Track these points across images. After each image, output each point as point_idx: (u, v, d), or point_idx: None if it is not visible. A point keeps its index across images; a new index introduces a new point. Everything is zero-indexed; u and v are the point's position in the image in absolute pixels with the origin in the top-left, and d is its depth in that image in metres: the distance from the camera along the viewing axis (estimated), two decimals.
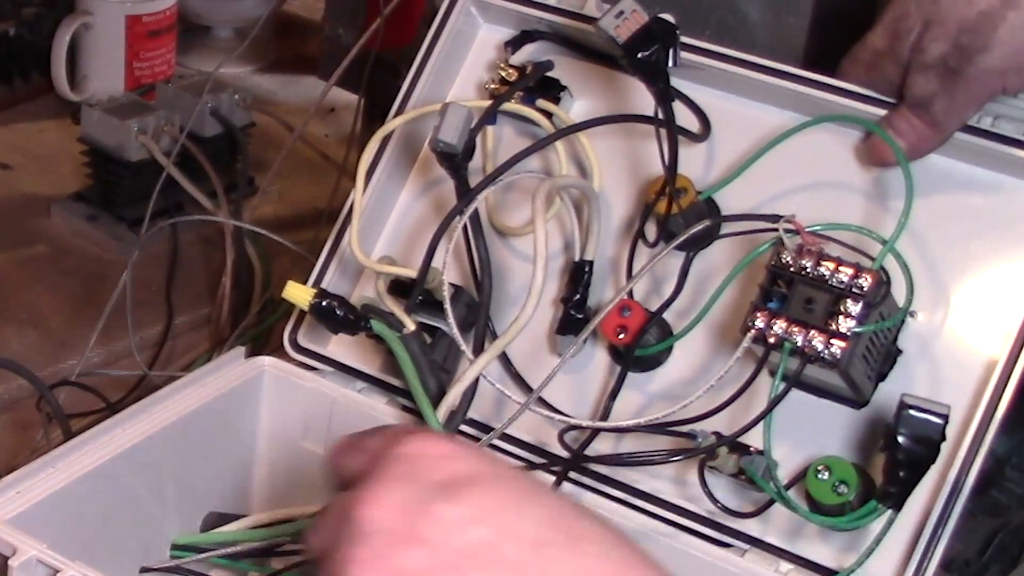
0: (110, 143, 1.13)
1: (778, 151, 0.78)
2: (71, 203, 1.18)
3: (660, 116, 0.77)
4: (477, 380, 0.79)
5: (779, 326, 0.71)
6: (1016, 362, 0.73)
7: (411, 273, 0.82)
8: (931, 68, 0.73)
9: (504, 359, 0.83)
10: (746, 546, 0.76)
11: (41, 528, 0.71)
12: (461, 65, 0.89)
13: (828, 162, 0.79)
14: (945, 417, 0.70)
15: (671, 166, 0.77)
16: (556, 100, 0.85)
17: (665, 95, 0.76)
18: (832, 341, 0.71)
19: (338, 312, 0.80)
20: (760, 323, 0.72)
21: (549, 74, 0.86)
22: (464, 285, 0.84)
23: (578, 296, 0.81)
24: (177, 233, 1.13)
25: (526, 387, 0.82)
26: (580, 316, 0.81)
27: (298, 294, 0.80)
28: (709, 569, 0.75)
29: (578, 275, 0.82)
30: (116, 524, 0.77)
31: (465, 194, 0.80)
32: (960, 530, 0.93)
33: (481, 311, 0.81)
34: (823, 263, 0.71)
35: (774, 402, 0.72)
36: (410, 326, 0.80)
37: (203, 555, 0.80)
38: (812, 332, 0.71)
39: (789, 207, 0.77)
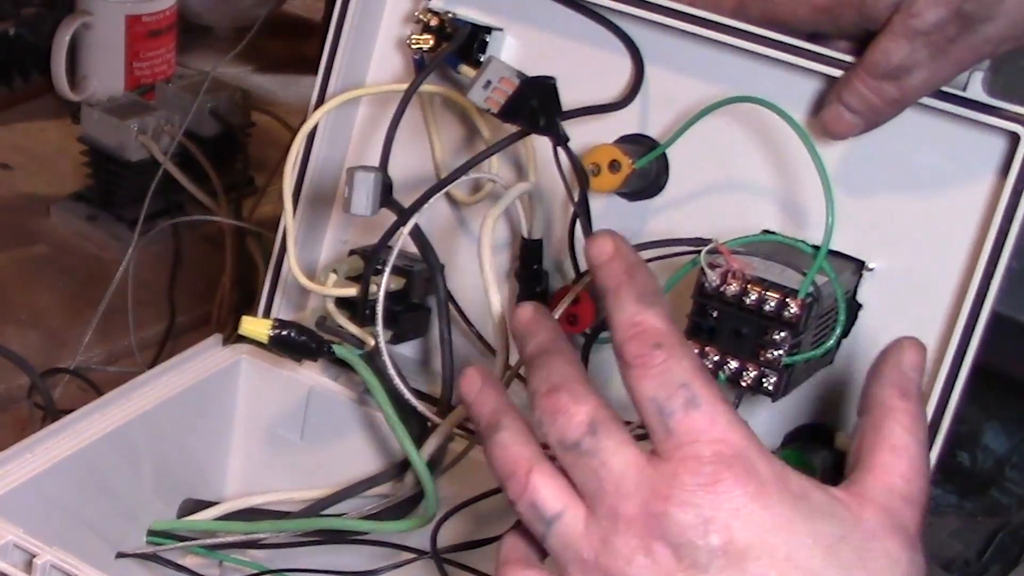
0: (110, 143, 1.16)
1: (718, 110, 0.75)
2: (71, 203, 1.21)
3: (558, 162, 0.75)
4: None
5: (712, 358, 0.70)
6: (984, 298, 0.72)
7: (352, 292, 0.82)
8: (921, 35, 0.68)
9: (478, 338, 0.85)
10: None
11: (18, 513, 0.72)
12: (378, 29, 0.86)
13: (759, 139, 0.77)
14: None
15: (584, 217, 0.76)
16: (480, 57, 0.82)
17: (559, 141, 0.75)
18: (765, 371, 0.69)
19: (298, 339, 0.80)
20: (694, 350, 0.68)
21: (472, 13, 0.83)
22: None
23: (535, 267, 0.82)
24: (179, 233, 1.16)
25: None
26: (539, 289, 0.82)
27: (255, 328, 0.79)
28: None
29: (528, 254, 0.82)
30: (93, 510, 0.79)
31: (400, 212, 0.79)
32: (960, 530, 0.96)
33: (443, 356, 0.82)
34: (750, 289, 0.69)
35: None
36: (369, 342, 0.81)
37: (182, 544, 0.82)
38: (745, 363, 0.70)
39: (723, 187, 0.77)
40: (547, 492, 0.57)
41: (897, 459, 0.58)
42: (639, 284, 0.59)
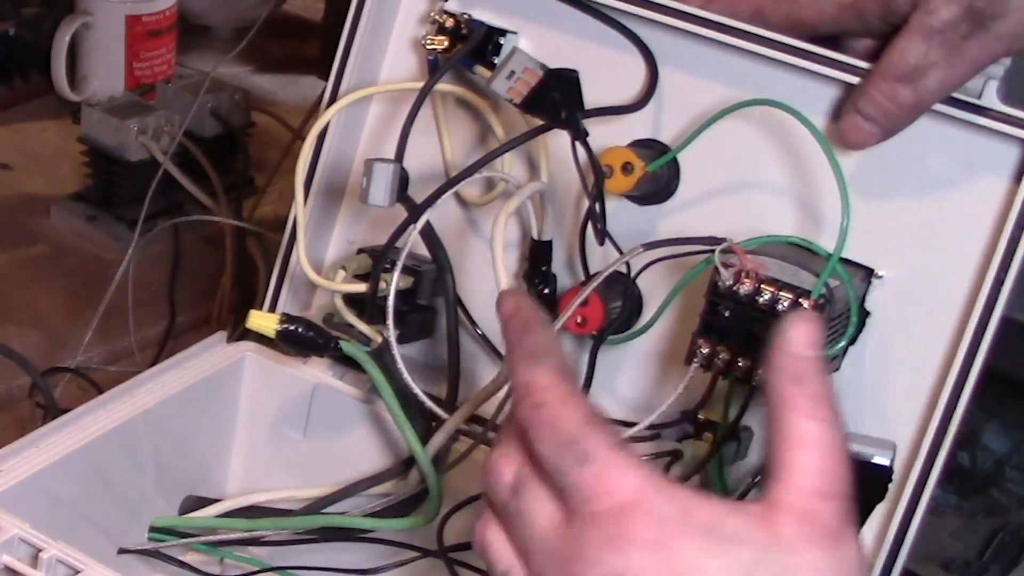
0: (110, 143, 1.16)
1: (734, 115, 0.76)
2: (71, 203, 1.21)
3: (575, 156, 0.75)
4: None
5: (723, 357, 0.71)
6: (994, 306, 0.72)
7: (362, 288, 0.82)
8: (936, 33, 0.68)
9: (483, 339, 0.86)
10: None
11: (23, 507, 0.73)
12: (392, 29, 0.87)
13: (776, 142, 0.78)
14: (891, 459, 0.71)
15: (598, 211, 0.77)
16: (495, 59, 0.82)
17: (578, 135, 0.76)
18: None
19: (305, 335, 0.80)
20: (705, 350, 0.71)
21: (487, 15, 0.83)
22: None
23: (544, 269, 0.82)
24: (179, 233, 1.16)
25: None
26: (547, 291, 0.83)
27: (263, 322, 0.80)
28: None
29: (538, 255, 0.83)
30: (96, 505, 0.80)
31: (412, 208, 0.80)
32: (960, 530, 0.96)
33: (450, 354, 0.83)
34: (763, 288, 0.69)
35: (719, 444, 0.75)
36: (377, 339, 0.82)
37: (183, 541, 0.82)
38: (756, 362, 0.70)
39: (733, 191, 0.78)
40: (496, 549, 0.57)
41: (803, 453, 0.54)
42: (529, 343, 0.58)
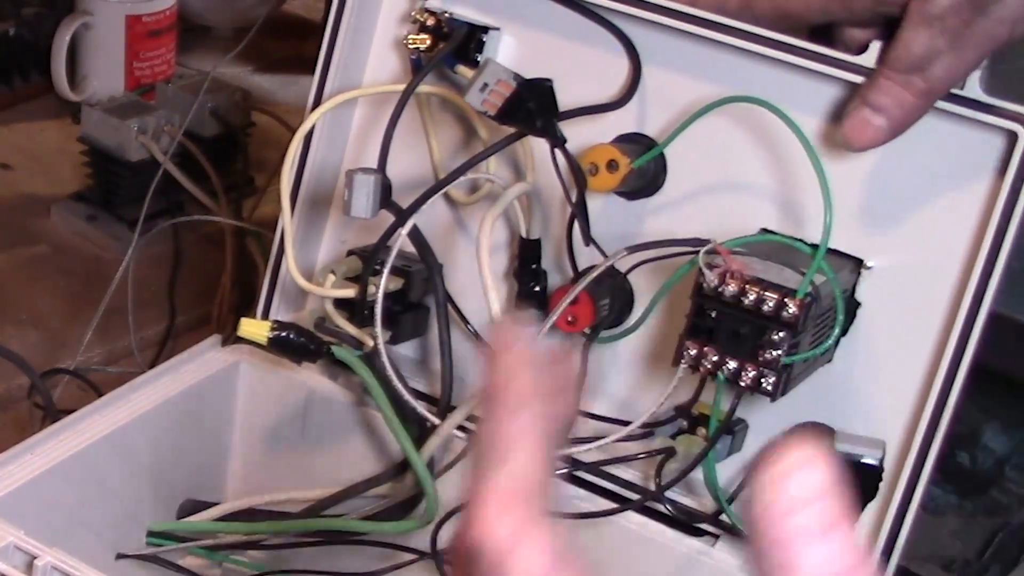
0: (110, 143, 1.16)
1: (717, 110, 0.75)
2: (71, 203, 1.21)
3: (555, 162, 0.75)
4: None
5: (711, 358, 0.70)
6: (982, 297, 0.72)
7: (350, 293, 0.82)
8: (937, 21, 0.67)
9: (477, 337, 0.86)
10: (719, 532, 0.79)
11: (18, 515, 0.72)
12: (374, 29, 0.87)
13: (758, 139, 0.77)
14: (880, 458, 0.72)
15: (581, 218, 0.77)
16: (478, 57, 0.82)
17: (556, 143, 0.75)
18: (764, 371, 0.69)
19: (297, 341, 0.80)
20: (693, 351, 0.70)
21: (469, 13, 0.83)
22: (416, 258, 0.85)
23: (534, 267, 0.82)
24: (179, 233, 1.17)
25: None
26: (537, 288, 0.82)
27: (254, 330, 0.80)
28: (680, 559, 0.78)
29: (527, 253, 0.82)
30: (93, 510, 0.80)
31: (399, 213, 0.80)
32: (960, 530, 0.96)
33: (442, 356, 0.83)
34: (749, 289, 0.69)
35: (713, 440, 0.75)
36: (368, 343, 0.82)
37: (182, 545, 0.82)
38: (744, 363, 0.69)
39: (721, 186, 0.78)
40: None
41: None
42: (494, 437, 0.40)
